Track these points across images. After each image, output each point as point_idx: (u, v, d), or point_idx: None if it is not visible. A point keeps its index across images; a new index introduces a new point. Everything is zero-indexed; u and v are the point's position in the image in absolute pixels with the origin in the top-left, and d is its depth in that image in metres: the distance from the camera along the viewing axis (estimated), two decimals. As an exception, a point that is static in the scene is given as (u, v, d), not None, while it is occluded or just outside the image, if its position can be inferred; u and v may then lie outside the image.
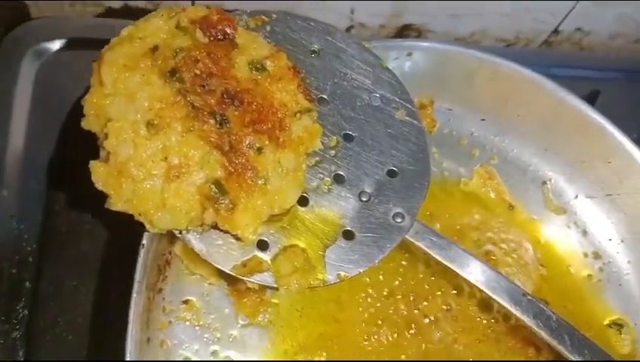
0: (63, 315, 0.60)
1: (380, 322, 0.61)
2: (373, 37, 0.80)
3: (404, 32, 0.81)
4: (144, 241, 0.52)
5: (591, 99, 0.76)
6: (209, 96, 0.48)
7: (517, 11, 0.79)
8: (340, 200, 0.54)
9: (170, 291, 0.58)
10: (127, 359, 0.50)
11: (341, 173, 0.54)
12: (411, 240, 0.55)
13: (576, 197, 0.69)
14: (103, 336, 0.59)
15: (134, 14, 0.72)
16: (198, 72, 0.48)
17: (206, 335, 0.58)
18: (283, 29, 0.56)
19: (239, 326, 0.59)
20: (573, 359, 0.55)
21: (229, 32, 0.50)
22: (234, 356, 0.58)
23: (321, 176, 0.54)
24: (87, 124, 0.48)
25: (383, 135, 0.56)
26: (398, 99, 0.57)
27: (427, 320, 0.61)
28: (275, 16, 0.56)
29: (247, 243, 0.51)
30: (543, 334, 0.56)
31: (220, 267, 0.51)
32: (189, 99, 0.48)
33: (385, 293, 0.62)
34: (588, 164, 0.68)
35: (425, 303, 0.62)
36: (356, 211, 0.54)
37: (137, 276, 0.52)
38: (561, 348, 0.56)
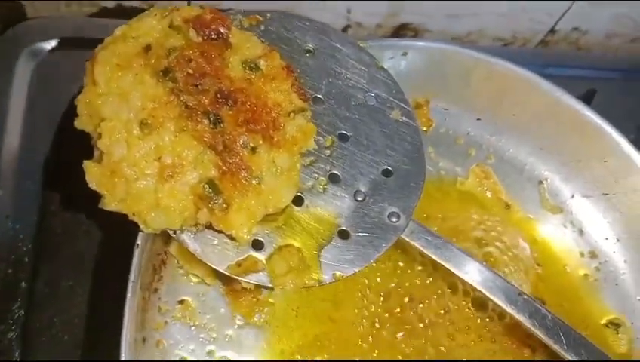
0: (59, 315, 0.60)
1: (376, 322, 0.60)
2: (370, 36, 0.80)
3: (401, 31, 0.81)
4: (138, 241, 0.52)
5: (587, 98, 0.76)
6: (202, 96, 0.48)
7: (514, 11, 0.79)
8: (335, 199, 0.54)
9: (165, 291, 0.58)
10: (122, 359, 0.50)
11: (336, 172, 0.54)
12: (407, 239, 0.55)
13: (573, 196, 0.69)
14: (98, 337, 0.59)
15: (133, 14, 0.72)
16: (191, 71, 0.48)
17: (202, 336, 0.58)
18: (277, 29, 0.56)
19: (235, 326, 0.58)
20: (570, 359, 0.55)
21: (222, 31, 0.50)
22: (230, 356, 0.58)
23: (316, 175, 0.54)
24: (80, 123, 0.48)
25: (378, 134, 0.56)
26: (393, 99, 0.57)
27: (423, 321, 0.61)
28: (269, 15, 0.56)
29: (242, 243, 0.50)
30: (539, 334, 0.56)
31: (214, 267, 0.51)
32: (182, 98, 0.48)
33: (381, 294, 0.62)
34: (584, 164, 0.68)
35: (420, 305, 0.62)
36: (351, 211, 0.54)
37: (132, 276, 0.52)
38: (557, 348, 0.56)
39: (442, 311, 0.62)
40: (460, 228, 0.66)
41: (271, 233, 0.52)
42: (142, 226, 0.48)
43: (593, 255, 0.68)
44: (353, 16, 0.77)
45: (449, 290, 0.62)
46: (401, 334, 0.61)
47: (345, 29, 0.79)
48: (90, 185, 0.47)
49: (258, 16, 0.56)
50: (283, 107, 0.51)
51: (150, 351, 0.56)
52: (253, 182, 0.49)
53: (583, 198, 0.69)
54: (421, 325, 0.61)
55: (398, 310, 0.61)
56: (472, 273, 0.56)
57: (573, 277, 0.67)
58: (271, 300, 0.60)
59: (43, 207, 0.63)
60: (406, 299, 0.62)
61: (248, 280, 0.51)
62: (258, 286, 0.56)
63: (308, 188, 0.53)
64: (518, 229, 0.67)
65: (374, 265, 0.57)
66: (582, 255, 0.68)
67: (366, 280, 0.62)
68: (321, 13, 0.74)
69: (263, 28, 0.55)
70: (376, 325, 0.60)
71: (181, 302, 0.58)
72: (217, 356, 0.57)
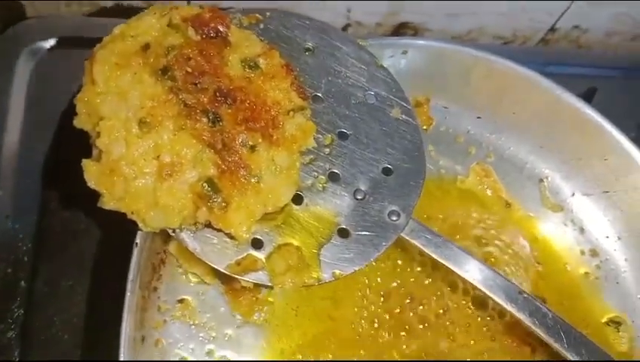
0: (59, 315, 0.60)
1: (375, 321, 0.60)
2: (370, 35, 0.80)
3: (401, 30, 0.81)
4: (137, 240, 0.52)
5: (588, 96, 0.76)
6: (201, 94, 0.48)
7: (513, 11, 0.79)
8: (334, 198, 0.54)
9: (165, 290, 0.58)
10: (121, 358, 0.50)
11: (336, 171, 0.54)
12: (407, 238, 0.55)
13: (573, 194, 0.69)
14: (97, 336, 0.59)
15: (132, 13, 0.72)
16: (190, 69, 0.48)
17: (201, 335, 0.58)
18: (277, 27, 0.56)
19: (235, 325, 0.58)
20: (570, 357, 0.55)
21: (221, 29, 0.50)
22: (229, 355, 0.57)
23: (316, 174, 0.54)
24: (79, 122, 0.48)
25: (377, 133, 0.56)
26: (392, 97, 0.57)
27: (423, 320, 0.61)
28: (269, 14, 0.56)
29: (241, 242, 0.50)
30: (540, 332, 0.56)
31: (214, 266, 0.51)
32: (181, 97, 0.48)
33: (381, 293, 0.61)
34: (585, 162, 0.68)
35: (420, 306, 0.62)
36: (351, 209, 0.54)
37: (131, 275, 0.51)
38: (557, 347, 0.55)
39: (442, 310, 0.62)
40: (459, 226, 0.66)
41: (270, 232, 0.52)
42: (141, 225, 0.48)
43: (594, 253, 0.68)
44: (353, 15, 0.77)
45: (449, 289, 0.62)
46: (400, 333, 0.60)
47: (345, 28, 0.79)
48: (89, 184, 0.47)
49: (257, 15, 0.56)
50: (282, 105, 0.51)
51: (149, 350, 0.55)
52: (253, 180, 0.49)
53: (584, 196, 0.69)
54: (421, 326, 0.61)
55: (398, 310, 0.61)
56: (472, 271, 0.56)
57: (573, 275, 0.67)
58: (270, 299, 0.60)
59: (43, 206, 0.63)
60: (406, 299, 0.62)
61: (248, 279, 0.51)
62: (257, 285, 0.56)
63: (307, 187, 0.53)
64: (518, 227, 0.67)
65: (374, 263, 0.57)
66: (582, 253, 0.68)
67: (366, 279, 0.62)
68: (321, 12, 0.74)
69: (262, 26, 0.55)
70: (376, 324, 0.60)
71: (180, 300, 0.58)
72: (217, 355, 0.57)
